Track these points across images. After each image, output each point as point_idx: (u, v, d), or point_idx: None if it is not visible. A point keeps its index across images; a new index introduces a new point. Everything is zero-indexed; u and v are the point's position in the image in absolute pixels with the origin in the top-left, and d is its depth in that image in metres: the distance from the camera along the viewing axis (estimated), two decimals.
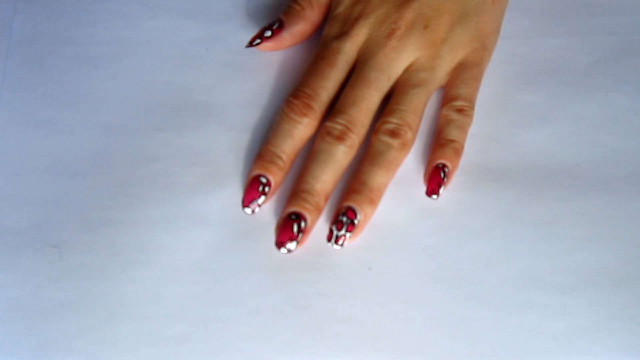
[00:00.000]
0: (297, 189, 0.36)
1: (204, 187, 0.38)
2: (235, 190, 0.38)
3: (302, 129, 0.37)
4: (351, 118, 0.37)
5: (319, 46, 0.39)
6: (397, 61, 0.38)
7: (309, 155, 0.37)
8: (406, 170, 0.38)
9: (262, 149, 0.37)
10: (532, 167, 0.38)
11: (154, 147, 0.39)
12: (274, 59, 0.42)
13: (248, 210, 0.37)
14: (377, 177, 0.36)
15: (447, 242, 0.37)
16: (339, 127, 0.36)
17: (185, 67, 0.41)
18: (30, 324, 0.35)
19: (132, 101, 0.40)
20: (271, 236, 0.37)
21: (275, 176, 0.37)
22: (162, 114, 0.40)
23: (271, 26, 0.40)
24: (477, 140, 0.39)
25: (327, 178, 0.36)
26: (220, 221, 0.37)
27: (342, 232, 0.35)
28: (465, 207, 0.38)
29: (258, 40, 0.40)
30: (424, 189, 0.37)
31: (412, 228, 0.37)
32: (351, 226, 0.35)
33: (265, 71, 0.41)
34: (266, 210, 0.37)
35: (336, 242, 0.35)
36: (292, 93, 0.38)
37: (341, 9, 0.39)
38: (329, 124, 0.37)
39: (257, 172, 0.37)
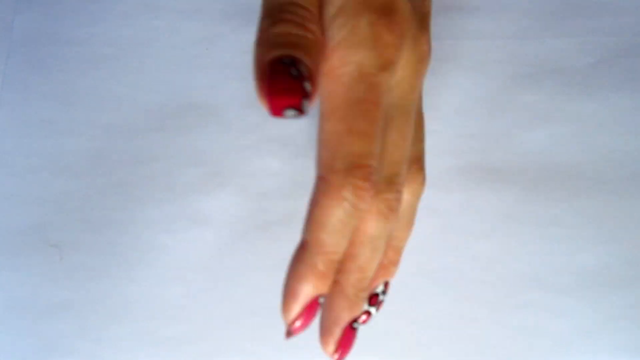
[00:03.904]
0: (354, 287, 0.27)
1: (204, 187, 0.38)
2: (235, 190, 0.38)
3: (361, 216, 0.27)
4: (404, 179, 0.28)
5: (355, 82, 0.25)
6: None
7: (364, 240, 0.27)
8: None
9: (318, 260, 0.26)
10: (532, 167, 0.38)
11: (154, 147, 0.39)
12: None
13: None
14: (407, 237, 0.31)
15: (447, 242, 0.37)
16: (398, 196, 0.27)
17: (185, 67, 0.41)
18: (30, 324, 0.35)
19: (132, 101, 0.40)
20: (271, 236, 0.37)
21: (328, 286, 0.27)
22: (162, 114, 0.40)
23: (299, 72, 0.24)
24: (477, 140, 0.39)
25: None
26: (220, 221, 0.37)
27: (375, 309, 0.31)
28: (465, 208, 0.38)
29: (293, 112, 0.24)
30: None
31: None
32: (381, 301, 0.31)
33: None
34: (267, 209, 0.37)
35: (363, 322, 0.30)
36: (354, 169, 0.25)
37: (367, 20, 0.26)
38: (389, 195, 0.27)
39: (310, 289, 0.26)
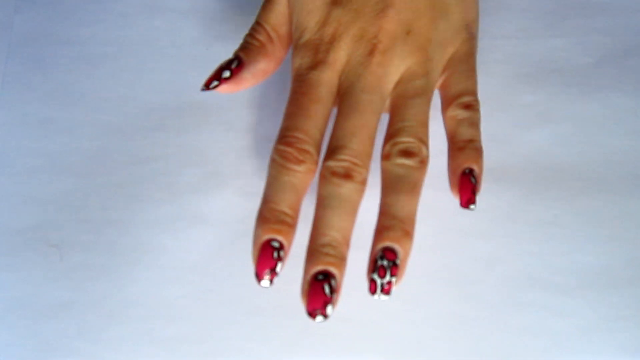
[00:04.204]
0: (315, 243, 0.31)
1: (204, 187, 0.38)
2: (235, 190, 0.38)
3: (302, 177, 0.32)
4: (355, 151, 0.33)
5: (293, 81, 0.35)
6: (386, 77, 0.34)
7: (318, 202, 0.32)
8: None
9: (264, 210, 0.32)
10: (532, 167, 0.38)
11: (154, 147, 0.39)
12: None
13: (266, 283, 0.31)
14: (405, 205, 0.32)
15: (447, 242, 0.37)
16: (344, 164, 0.32)
17: (185, 67, 0.41)
18: (30, 324, 0.35)
19: (132, 101, 0.40)
20: None
21: (287, 236, 0.32)
22: (162, 114, 0.40)
23: (229, 65, 0.35)
24: None
25: (344, 224, 0.32)
26: (220, 221, 0.37)
27: (387, 278, 0.31)
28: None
29: (215, 83, 0.35)
30: (445, 197, 0.35)
31: None
32: (394, 268, 0.31)
33: None
34: None
35: (383, 292, 0.31)
36: (281, 139, 0.33)
37: (308, 36, 0.35)
38: (331, 163, 0.32)
39: (266, 236, 0.31)
